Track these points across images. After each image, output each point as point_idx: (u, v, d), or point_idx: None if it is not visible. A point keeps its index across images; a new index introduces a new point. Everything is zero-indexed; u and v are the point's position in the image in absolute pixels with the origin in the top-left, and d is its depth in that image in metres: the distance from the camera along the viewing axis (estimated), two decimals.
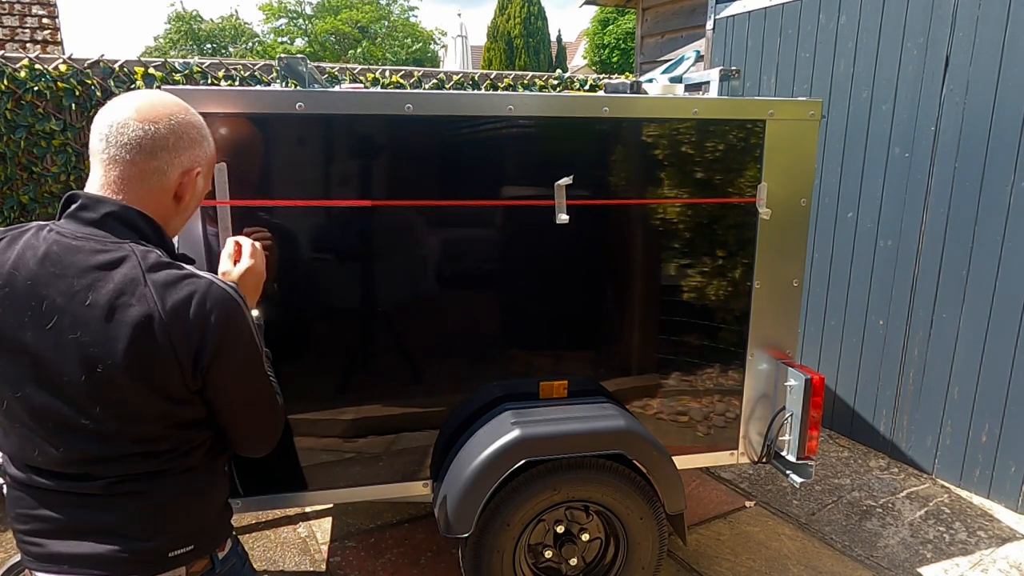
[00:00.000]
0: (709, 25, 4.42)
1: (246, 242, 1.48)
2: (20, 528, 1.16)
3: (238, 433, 1.26)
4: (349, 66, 4.38)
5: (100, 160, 1.15)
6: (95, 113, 3.82)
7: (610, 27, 18.95)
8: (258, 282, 1.46)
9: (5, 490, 1.81)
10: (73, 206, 1.14)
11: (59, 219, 1.15)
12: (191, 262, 1.20)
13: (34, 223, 1.16)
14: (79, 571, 1.13)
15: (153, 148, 1.15)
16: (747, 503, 3.21)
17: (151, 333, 1.07)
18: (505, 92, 4.50)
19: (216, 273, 1.32)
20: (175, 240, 1.27)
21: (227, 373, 1.17)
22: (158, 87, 3.71)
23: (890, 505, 3.23)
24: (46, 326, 1.07)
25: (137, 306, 1.07)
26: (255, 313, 1.35)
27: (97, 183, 1.16)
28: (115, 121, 1.14)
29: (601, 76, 5.49)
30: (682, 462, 2.33)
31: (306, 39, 29.23)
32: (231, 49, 28.79)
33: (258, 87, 3.69)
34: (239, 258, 1.45)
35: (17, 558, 2.12)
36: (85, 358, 1.07)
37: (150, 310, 1.07)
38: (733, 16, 4.24)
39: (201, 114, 1.27)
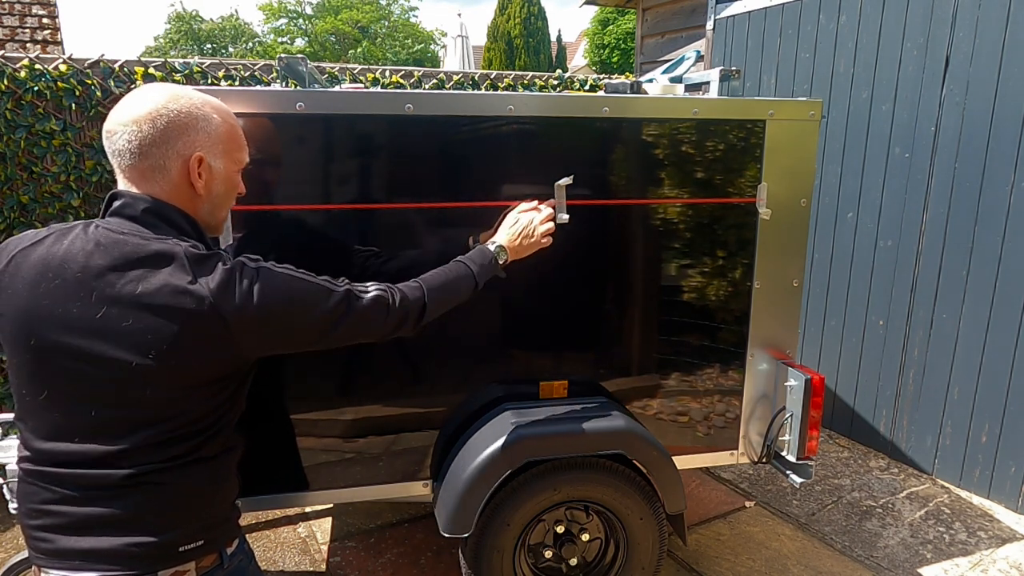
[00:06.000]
0: (709, 25, 4.42)
1: (545, 208, 1.88)
2: (31, 523, 1.17)
3: (349, 343, 1.38)
4: (349, 66, 4.37)
5: (115, 168, 1.22)
6: (95, 113, 3.81)
7: (610, 27, 18.95)
8: (520, 231, 1.79)
9: (7, 488, 1.81)
10: (116, 203, 1.20)
11: (103, 217, 1.21)
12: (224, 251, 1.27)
13: (81, 221, 1.22)
14: (90, 566, 1.13)
15: (142, 149, 1.19)
16: (747, 503, 3.21)
17: (204, 320, 1.13)
18: (505, 92, 4.50)
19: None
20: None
21: (290, 330, 1.26)
22: None
23: (890, 505, 3.22)
24: (96, 316, 1.11)
25: (187, 296, 1.12)
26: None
27: (121, 187, 1.22)
28: (109, 131, 1.20)
29: (601, 76, 5.49)
30: (682, 462, 2.33)
31: (306, 39, 29.24)
32: (231, 49, 28.81)
33: (258, 87, 3.69)
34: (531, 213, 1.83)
35: (23, 555, 2.12)
36: (135, 346, 1.11)
37: (201, 298, 1.12)
38: (733, 16, 4.24)
39: None
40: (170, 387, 1.15)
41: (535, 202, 1.92)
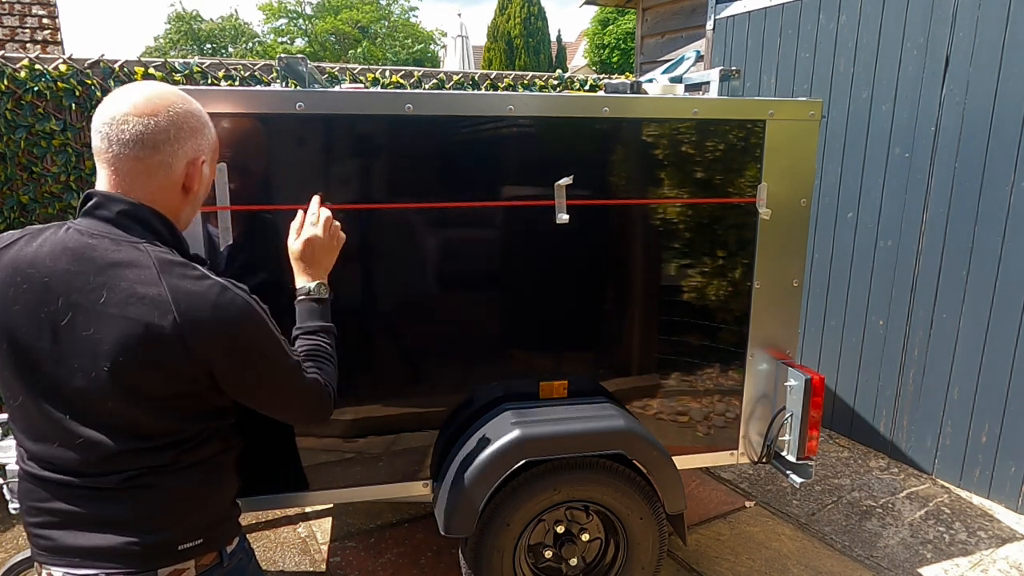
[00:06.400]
0: (709, 25, 4.42)
1: (312, 211, 1.58)
2: (31, 521, 1.17)
3: (275, 415, 1.32)
4: (349, 66, 4.38)
5: (105, 159, 1.16)
6: (95, 113, 3.80)
7: (610, 27, 18.94)
8: (317, 252, 1.53)
9: (6, 488, 1.81)
10: (89, 204, 1.16)
11: (78, 217, 1.17)
12: (203, 263, 1.22)
13: (55, 223, 1.18)
14: (89, 563, 1.14)
15: (155, 142, 1.16)
16: (747, 503, 3.21)
17: (164, 334, 1.09)
18: (505, 92, 4.49)
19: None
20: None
21: (245, 372, 1.20)
22: None
23: (890, 505, 3.23)
24: (62, 322, 1.09)
25: (151, 306, 1.08)
26: (317, 287, 1.51)
27: (106, 182, 1.17)
28: (113, 118, 1.14)
29: (601, 76, 5.49)
30: (682, 462, 2.33)
31: (306, 39, 29.24)
32: (231, 49, 28.80)
33: (258, 87, 3.69)
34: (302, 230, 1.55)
35: (24, 554, 2.13)
36: (99, 355, 1.08)
37: (165, 311, 1.09)
38: (733, 16, 4.24)
39: None
40: (134, 399, 1.11)
41: (300, 215, 1.62)
